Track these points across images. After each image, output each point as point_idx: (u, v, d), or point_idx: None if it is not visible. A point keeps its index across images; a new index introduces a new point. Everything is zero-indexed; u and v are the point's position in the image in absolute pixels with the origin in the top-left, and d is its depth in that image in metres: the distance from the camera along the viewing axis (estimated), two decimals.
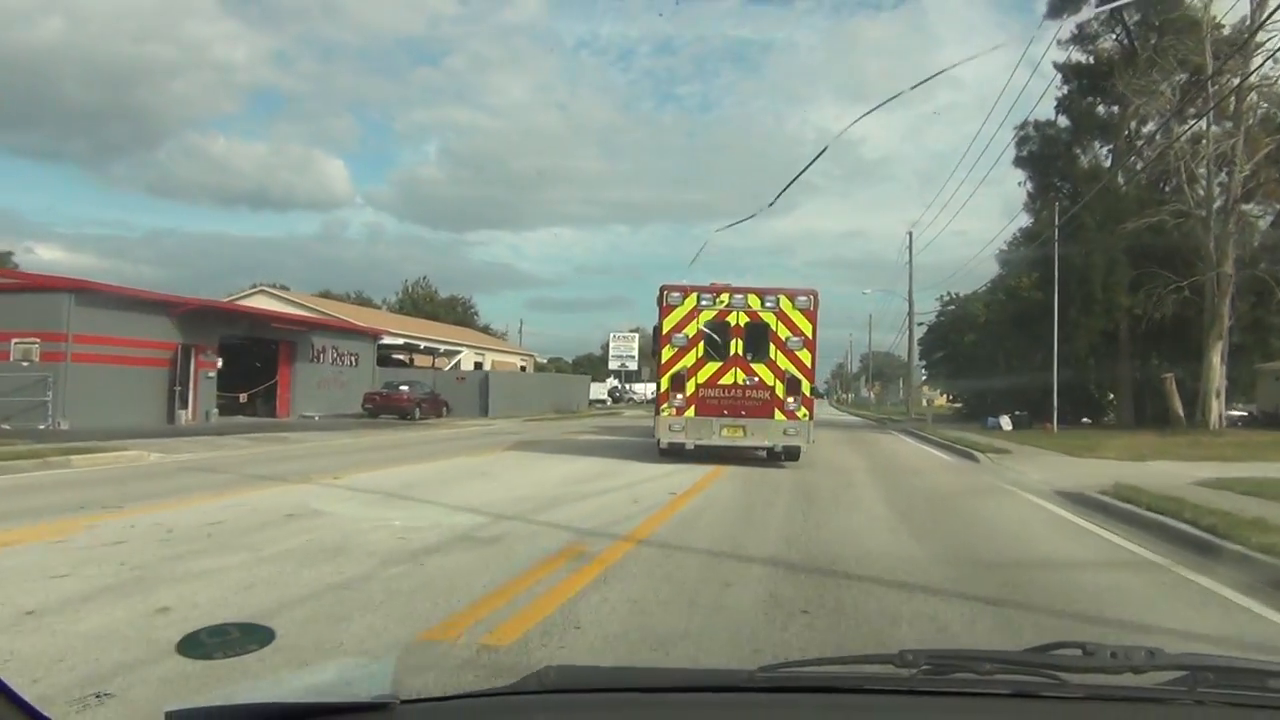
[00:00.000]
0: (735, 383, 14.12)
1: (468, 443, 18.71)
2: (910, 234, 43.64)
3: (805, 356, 14.14)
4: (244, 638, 2.58)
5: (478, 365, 44.00)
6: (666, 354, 14.28)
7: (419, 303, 62.28)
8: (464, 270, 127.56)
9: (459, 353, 38.30)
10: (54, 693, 3.07)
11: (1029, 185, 31.00)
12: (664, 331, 14.30)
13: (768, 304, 14.16)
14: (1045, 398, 27.71)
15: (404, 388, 28.79)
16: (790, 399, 14.05)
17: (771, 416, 14.06)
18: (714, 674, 1.95)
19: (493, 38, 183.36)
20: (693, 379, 14.17)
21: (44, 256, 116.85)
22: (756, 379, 14.10)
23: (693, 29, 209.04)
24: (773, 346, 14.08)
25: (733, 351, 14.15)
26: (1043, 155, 29.85)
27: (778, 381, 14.07)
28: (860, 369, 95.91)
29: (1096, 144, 30.14)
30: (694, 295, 14.25)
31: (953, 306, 45.02)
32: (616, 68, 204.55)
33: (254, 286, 35.99)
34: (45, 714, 1.11)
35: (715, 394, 14.13)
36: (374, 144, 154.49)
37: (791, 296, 14.18)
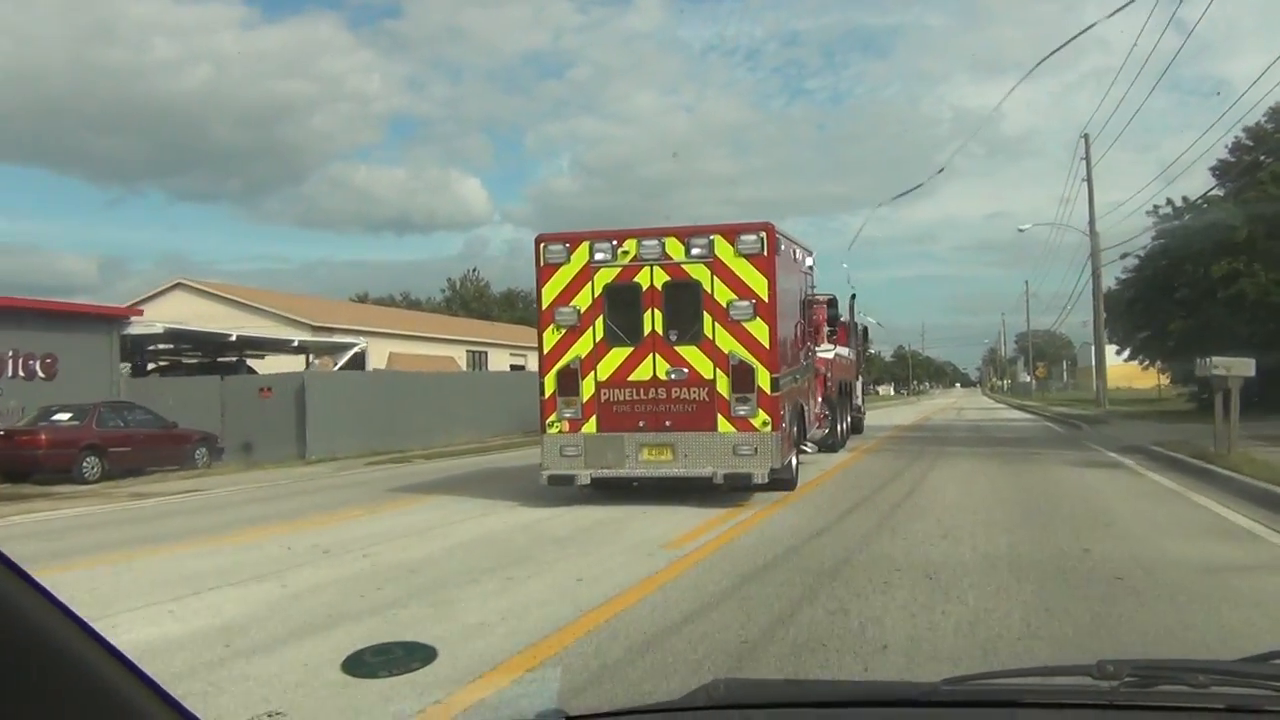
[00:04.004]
0: (654, 377, 10.54)
1: None
2: (1086, 137, 34.28)
3: (760, 330, 10.25)
4: (407, 656, 2.72)
5: (515, 368, 41.32)
6: (550, 339, 10.81)
7: (468, 300, 60.63)
8: None
9: (353, 346, 29.28)
10: None
11: None
12: (544, 305, 10.70)
13: (696, 252, 10.38)
14: None
15: (62, 418, 18.07)
16: (739, 399, 10.14)
17: (713, 427, 10.31)
18: (894, 686, 2.02)
19: (616, 46, 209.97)
20: (590, 375, 10.62)
21: None
22: (687, 370, 10.43)
23: (818, 20, 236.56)
24: (709, 318, 10.36)
25: (648, 329, 10.57)
26: None
27: (719, 373, 10.33)
28: (1017, 352, 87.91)
29: None
30: (585, 246, 10.69)
31: (1178, 222, 29.85)
32: (744, 67, 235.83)
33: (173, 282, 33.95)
34: None
35: (626, 396, 10.54)
36: (508, 161, 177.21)
37: (731, 236, 10.36)
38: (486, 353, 40.10)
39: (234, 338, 26.19)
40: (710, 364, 10.50)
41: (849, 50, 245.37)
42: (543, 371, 11.07)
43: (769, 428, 10.38)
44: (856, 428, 22.91)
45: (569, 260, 10.84)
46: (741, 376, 10.40)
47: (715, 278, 10.49)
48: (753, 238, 10.41)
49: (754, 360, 10.40)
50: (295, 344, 28.32)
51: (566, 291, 10.87)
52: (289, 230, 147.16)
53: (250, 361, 28.74)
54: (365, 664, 2.69)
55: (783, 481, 10.99)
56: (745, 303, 10.41)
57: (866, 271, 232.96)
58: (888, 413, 43.27)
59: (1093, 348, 35.20)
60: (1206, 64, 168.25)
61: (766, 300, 10.43)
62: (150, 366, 26.96)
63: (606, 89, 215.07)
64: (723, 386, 10.45)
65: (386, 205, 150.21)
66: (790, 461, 11.37)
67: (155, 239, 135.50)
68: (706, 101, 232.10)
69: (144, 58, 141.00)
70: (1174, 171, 46.51)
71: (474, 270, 65.29)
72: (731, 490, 10.60)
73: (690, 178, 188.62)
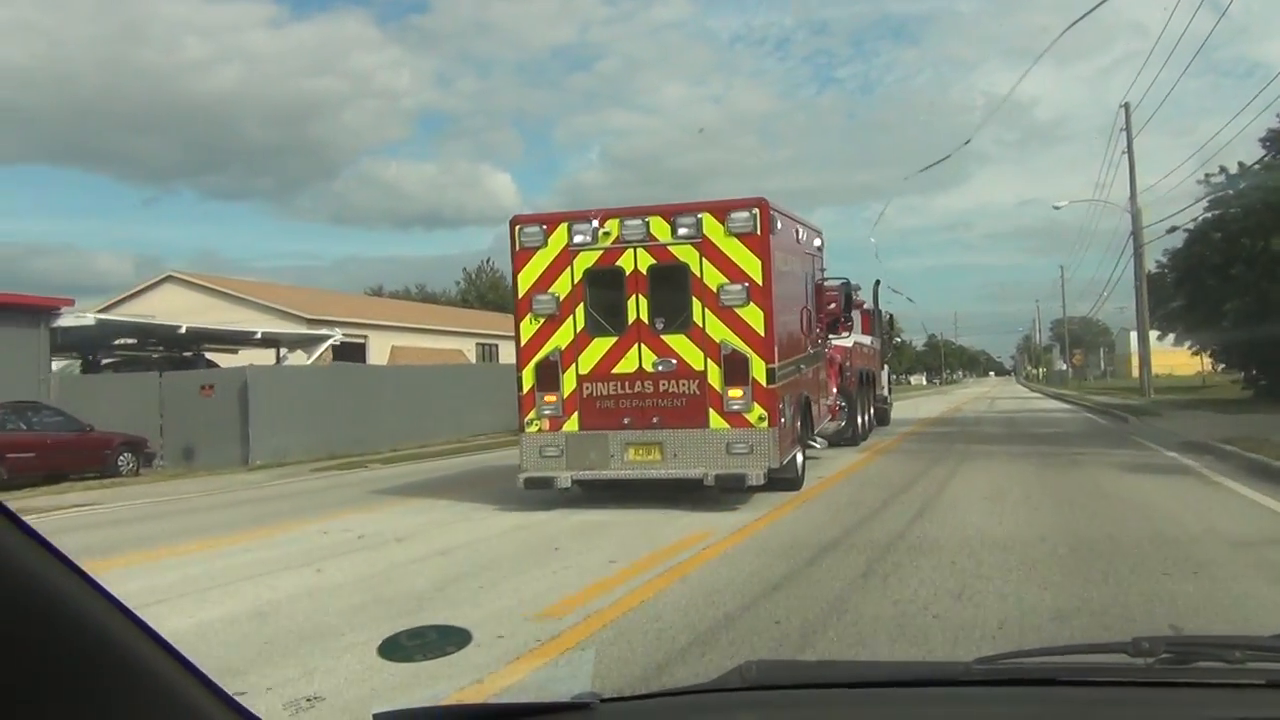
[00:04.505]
0: (640, 370, 9.83)
1: None
2: (1126, 106, 32.17)
3: (754, 317, 9.51)
4: (442, 640, 2.55)
5: None
6: (527, 330, 10.12)
7: (483, 292, 60.12)
8: None
9: (328, 338, 27.37)
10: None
11: None
12: (521, 293, 10.01)
13: (683, 232, 9.64)
14: None
15: None
16: (734, 392, 9.40)
17: (705, 424, 9.59)
18: (926, 666, 2.23)
19: (644, 37, 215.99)
20: (571, 369, 9.93)
21: None
22: (675, 361, 9.74)
23: (848, 8, 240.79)
24: (698, 304, 9.64)
25: (633, 317, 9.91)
26: None
27: (710, 364, 9.61)
28: (1052, 339, 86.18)
29: None
30: (563, 228, 9.97)
31: (1232, 191, 27.81)
32: (773, 57, 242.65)
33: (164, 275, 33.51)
34: (259, 716, 1.18)
35: (609, 391, 9.87)
36: (537, 154, 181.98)
37: (721, 214, 9.61)
38: (498, 345, 39.36)
39: (184, 330, 23.79)
40: (700, 354, 9.75)
41: (879, 38, 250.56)
42: (520, 365, 10.38)
43: (765, 423, 9.60)
44: (882, 419, 22.01)
45: (546, 243, 10.13)
46: (734, 367, 9.64)
47: (705, 260, 9.72)
48: (744, 215, 9.62)
49: (748, 349, 9.63)
50: (259, 336, 26.22)
51: (544, 277, 10.17)
52: (321, 227, 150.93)
53: (219, 356, 26.86)
54: (402, 648, 2.41)
55: (784, 481, 10.24)
56: (737, 287, 9.63)
57: (900, 260, 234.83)
58: (916, 404, 42.14)
59: (1133, 333, 33.85)
60: (1242, 46, 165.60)
61: (761, 284, 9.64)
62: (106, 362, 24.98)
63: (635, 81, 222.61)
64: (714, 379, 9.70)
65: (416, 201, 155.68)
66: (793, 459, 10.61)
67: (189, 237, 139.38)
68: (735, 91, 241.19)
69: (175, 57, 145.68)
70: (1209, 151, 44.63)
71: (489, 261, 64.62)
72: (725, 491, 9.84)
73: (719, 168, 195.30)
